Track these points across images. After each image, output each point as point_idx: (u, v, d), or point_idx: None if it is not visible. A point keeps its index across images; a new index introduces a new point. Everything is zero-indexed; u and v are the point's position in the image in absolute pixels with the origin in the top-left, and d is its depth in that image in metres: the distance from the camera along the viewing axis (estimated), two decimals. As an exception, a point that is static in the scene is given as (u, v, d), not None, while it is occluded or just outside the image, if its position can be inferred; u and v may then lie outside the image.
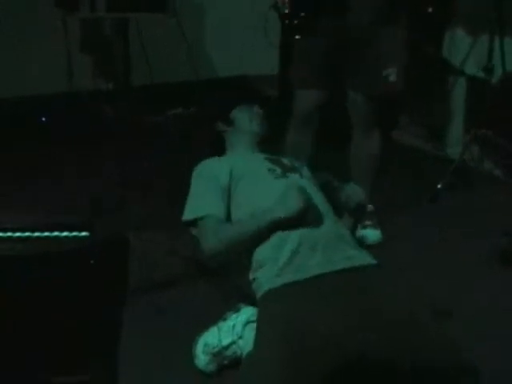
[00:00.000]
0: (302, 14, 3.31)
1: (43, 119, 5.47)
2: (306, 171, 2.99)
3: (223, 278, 3.12)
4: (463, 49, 4.56)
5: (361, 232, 3.56)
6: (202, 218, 2.67)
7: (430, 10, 5.15)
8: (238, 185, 2.75)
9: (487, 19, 4.08)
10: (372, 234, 3.59)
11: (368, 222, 3.61)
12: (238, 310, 2.65)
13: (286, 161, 2.96)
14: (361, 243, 2.91)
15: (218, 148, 3.10)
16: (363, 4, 3.24)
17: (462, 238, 3.65)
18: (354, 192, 2.81)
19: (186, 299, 3.06)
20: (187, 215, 2.73)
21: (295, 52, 3.59)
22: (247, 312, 2.61)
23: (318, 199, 2.73)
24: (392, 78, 3.39)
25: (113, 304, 1.87)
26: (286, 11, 3.37)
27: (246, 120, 3.10)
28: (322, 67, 3.45)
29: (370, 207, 3.57)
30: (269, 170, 2.81)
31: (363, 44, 3.31)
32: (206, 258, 2.69)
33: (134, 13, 5.29)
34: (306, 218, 2.56)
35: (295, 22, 3.36)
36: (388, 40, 3.33)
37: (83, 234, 1.85)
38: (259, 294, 2.50)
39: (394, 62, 3.39)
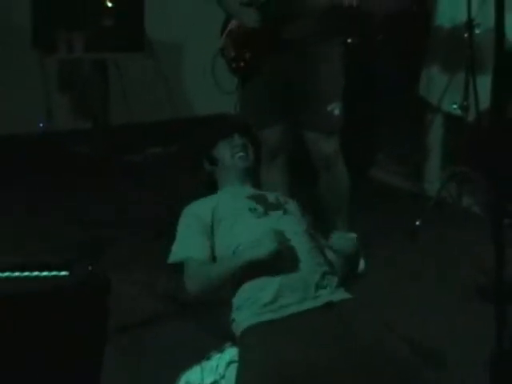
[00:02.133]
0: (246, 57, 3.41)
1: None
2: (292, 206, 2.91)
3: (205, 316, 3.12)
4: (439, 86, 4.60)
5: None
6: (185, 261, 2.67)
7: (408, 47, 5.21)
8: (220, 226, 2.74)
9: (462, 57, 4.11)
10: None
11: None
12: (222, 350, 2.64)
13: (271, 197, 2.89)
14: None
15: (210, 187, 3.04)
16: (298, 45, 3.33)
17: (440, 274, 3.66)
18: (343, 244, 2.78)
19: (165, 337, 3.06)
20: (172, 257, 2.73)
21: (242, 94, 3.65)
22: (231, 352, 2.60)
23: (299, 238, 2.67)
24: (336, 111, 3.46)
25: (92, 342, 1.86)
26: (233, 55, 3.45)
27: (228, 155, 2.96)
28: (270, 107, 3.51)
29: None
30: (250, 209, 2.77)
31: (304, 83, 3.40)
32: (190, 297, 2.71)
33: (112, 53, 5.31)
34: (283, 259, 2.56)
35: (240, 64, 3.42)
36: (326, 76, 3.41)
37: (62, 273, 1.85)
38: (238, 333, 2.50)
39: (335, 96, 3.46)
